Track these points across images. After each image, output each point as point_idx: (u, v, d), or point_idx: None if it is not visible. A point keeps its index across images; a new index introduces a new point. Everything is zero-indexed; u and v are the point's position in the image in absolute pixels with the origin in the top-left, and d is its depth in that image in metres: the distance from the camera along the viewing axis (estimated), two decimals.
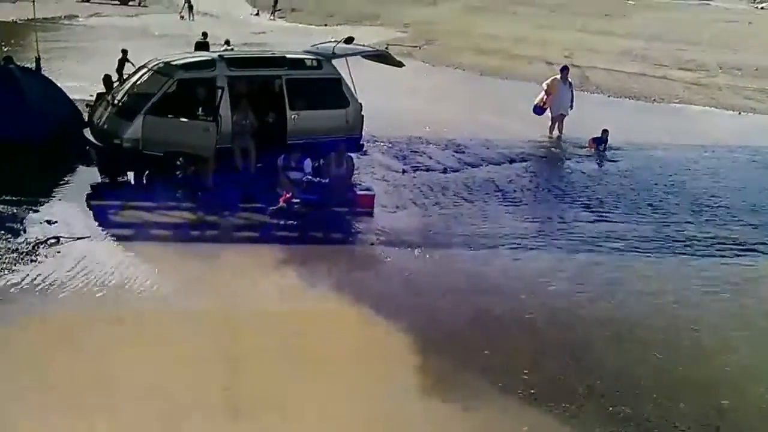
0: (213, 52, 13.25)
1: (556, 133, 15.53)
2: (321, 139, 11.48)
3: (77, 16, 35.02)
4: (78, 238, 8.98)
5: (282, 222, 9.91)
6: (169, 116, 10.45)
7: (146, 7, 42.62)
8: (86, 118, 12.53)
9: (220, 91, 10.52)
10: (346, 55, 11.97)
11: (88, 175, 11.22)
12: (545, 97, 15.34)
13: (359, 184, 11.30)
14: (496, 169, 13.01)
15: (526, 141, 15.01)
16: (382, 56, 12.91)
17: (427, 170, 12.62)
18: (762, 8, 52.58)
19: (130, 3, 42.64)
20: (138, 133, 10.37)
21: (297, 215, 10.04)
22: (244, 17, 40.27)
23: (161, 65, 11.27)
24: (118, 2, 42.09)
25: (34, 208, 9.88)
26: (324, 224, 9.97)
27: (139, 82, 11.29)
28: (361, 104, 11.96)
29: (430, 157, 13.40)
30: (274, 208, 10.06)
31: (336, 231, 9.95)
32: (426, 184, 11.88)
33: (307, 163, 10.80)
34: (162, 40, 27.55)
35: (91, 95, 14.39)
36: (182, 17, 36.84)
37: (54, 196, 10.50)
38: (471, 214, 10.72)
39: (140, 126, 10.37)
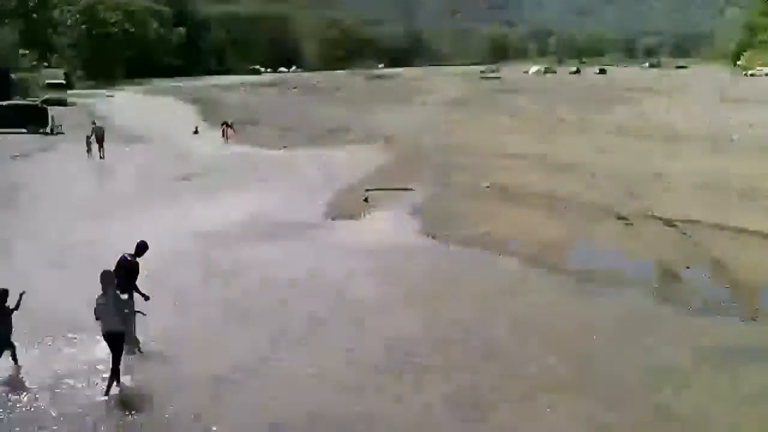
0: None
1: None
2: None
3: None
4: None
5: None
6: None
7: (62, 134, 31.38)
8: None
9: None
10: None
11: None
12: None
13: None
14: None
15: None
16: None
17: None
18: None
19: (41, 131, 31.53)
20: None
21: None
22: (185, 140, 29.31)
23: None
24: (26, 131, 30.95)
25: None
26: None
27: None
28: None
29: None
30: None
31: None
32: None
33: None
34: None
35: None
36: (89, 152, 25.05)
37: None
38: None
39: None
